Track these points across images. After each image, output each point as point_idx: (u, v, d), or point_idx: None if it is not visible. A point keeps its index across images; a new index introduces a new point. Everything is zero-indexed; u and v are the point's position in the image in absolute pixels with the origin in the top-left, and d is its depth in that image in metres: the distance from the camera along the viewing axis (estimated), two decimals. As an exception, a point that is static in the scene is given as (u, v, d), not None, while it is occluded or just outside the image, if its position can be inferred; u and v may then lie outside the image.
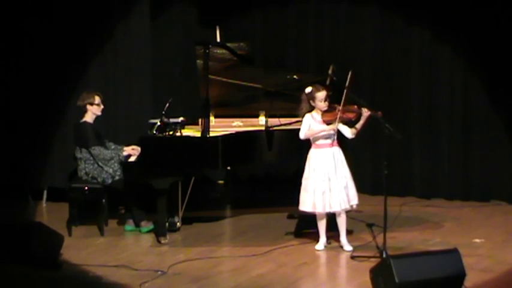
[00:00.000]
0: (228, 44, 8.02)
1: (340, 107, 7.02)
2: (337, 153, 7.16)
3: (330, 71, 7.26)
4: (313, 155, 7.18)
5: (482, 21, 8.83)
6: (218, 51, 7.92)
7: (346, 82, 6.99)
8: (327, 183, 7.09)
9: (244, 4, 9.97)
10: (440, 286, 5.83)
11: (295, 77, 8.10)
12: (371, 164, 9.21)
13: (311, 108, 7.17)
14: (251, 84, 8.20)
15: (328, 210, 7.13)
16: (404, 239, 7.54)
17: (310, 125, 7.13)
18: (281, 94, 8.19)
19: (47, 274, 6.49)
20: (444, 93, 9.22)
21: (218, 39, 8.28)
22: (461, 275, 5.87)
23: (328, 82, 7.28)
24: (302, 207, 7.21)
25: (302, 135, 7.16)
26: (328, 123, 7.09)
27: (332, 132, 7.10)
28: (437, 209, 8.82)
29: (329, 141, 7.12)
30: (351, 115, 7.06)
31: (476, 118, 9.08)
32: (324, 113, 7.10)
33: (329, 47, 9.60)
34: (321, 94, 7.07)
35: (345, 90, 6.98)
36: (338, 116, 7.01)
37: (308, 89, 7.15)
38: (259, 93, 8.27)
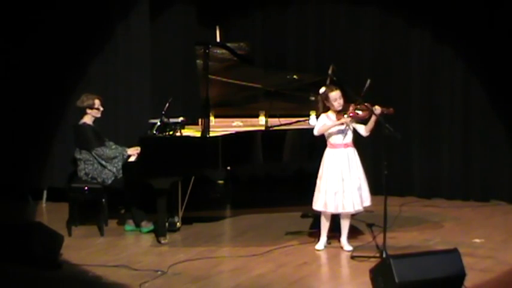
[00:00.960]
0: (228, 44, 8.02)
1: (353, 105, 7.04)
2: (352, 154, 7.17)
3: (330, 71, 7.28)
4: (327, 154, 7.18)
5: (482, 22, 8.83)
6: (218, 51, 7.92)
7: (363, 90, 6.98)
8: (340, 183, 7.09)
9: (244, 4, 9.96)
10: (440, 286, 5.83)
11: (295, 77, 8.11)
12: (371, 164, 9.20)
13: (326, 109, 7.17)
14: (251, 84, 8.19)
15: (340, 210, 7.13)
16: (404, 239, 7.54)
17: (325, 124, 7.13)
18: (281, 94, 8.19)
19: (47, 274, 6.49)
20: (444, 93, 9.22)
21: (218, 39, 8.27)
22: (461, 275, 5.87)
23: (328, 82, 7.30)
24: (315, 206, 7.22)
25: (316, 132, 7.16)
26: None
27: (343, 126, 7.09)
28: (437, 209, 8.82)
29: (343, 140, 7.12)
30: (363, 113, 7.08)
31: (476, 118, 9.09)
32: (338, 112, 7.11)
33: (329, 47, 9.60)
34: (334, 94, 7.07)
35: (361, 98, 6.98)
36: (350, 114, 7.02)
37: (322, 89, 7.16)
38: (259, 93, 8.27)
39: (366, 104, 7.06)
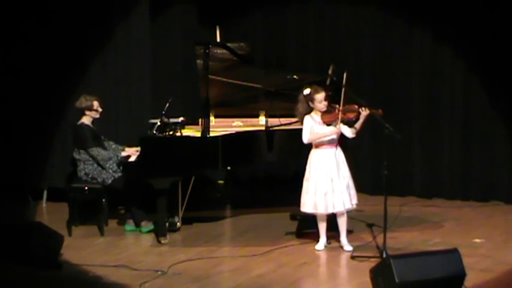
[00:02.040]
0: (228, 44, 8.02)
1: (340, 108, 7.01)
2: (339, 153, 7.16)
3: (330, 71, 7.27)
4: (314, 156, 7.17)
5: (482, 21, 8.82)
6: (218, 51, 7.92)
7: (342, 82, 6.97)
8: (330, 183, 7.08)
9: (244, 4, 9.97)
10: (440, 286, 5.82)
11: (295, 77, 8.10)
12: (371, 164, 9.21)
13: (309, 109, 7.15)
14: (251, 84, 8.20)
15: (331, 210, 7.12)
16: (404, 239, 7.54)
17: (312, 126, 7.11)
18: (281, 94, 8.18)
19: (47, 274, 6.49)
20: (444, 93, 9.22)
21: (218, 39, 8.27)
22: (461, 275, 5.87)
23: (328, 82, 7.29)
24: (303, 208, 7.20)
25: (306, 140, 7.13)
26: (328, 124, 7.08)
27: (335, 136, 7.09)
28: (438, 209, 8.82)
29: (331, 142, 7.11)
30: (351, 115, 7.05)
31: (476, 118, 9.08)
32: (323, 113, 7.09)
33: (329, 47, 9.60)
34: (320, 95, 7.05)
35: (343, 90, 6.97)
36: (339, 117, 7.00)
37: (306, 91, 7.12)
38: (259, 93, 8.27)
39: (355, 106, 7.02)
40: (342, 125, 7.09)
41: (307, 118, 7.13)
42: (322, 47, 9.67)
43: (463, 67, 9.10)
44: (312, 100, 7.08)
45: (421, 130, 9.33)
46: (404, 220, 8.21)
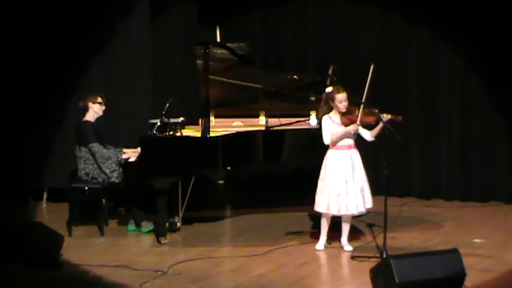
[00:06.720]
0: (228, 44, 8.02)
1: (360, 111, 6.97)
2: (355, 155, 7.13)
3: (330, 72, 7.25)
4: (330, 156, 7.12)
5: (481, 20, 8.82)
6: (218, 51, 7.92)
7: (367, 78, 6.91)
8: (344, 185, 7.05)
9: (244, 4, 9.97)
10: (440, 286, 5.83)
11: (295, 77, 8.11)
12: (371, 164, 9.19)
13: (329, 109, 7.12)
14: (251, 84, 8.20)
15: (344, 212, 7.09)
16: (404, 239, 7.54)
17: (330, 127, 7.07)
18: (281, 94, 8.19)
19: (47, 274, 6.49)
20: (443, 93, 9.22)
21: (218, 39, 8.27)
22: (461, 275, 5.87)
23: (328, 83, 7.28)
24: (317, 207, 7.18)
25: (327, 141, 7.07)
26: (346, 125, 7.04)
27: (352, 133, 7.05)
28: (437, 209, 8.82)
29: (348, 143, 7.09)
30: (370, 119, 7.03)
31: (475, 118, 9.08)
32: (342, 114, 7.05)
33: (329, 46, 9.60)
34: (341, 96, 6.99)
35: (367, 86, 6.90)
36: (358, 119, 6.96)
37: (329, 89, 7.07)
38: (259, 93, 8.27)
39: (376, 110, 6.99)
40: (360, 127, 7.06)
41: (325, 118, 7.09)
42: (322, 46, 9.66)
43: (462, 67, 9.10)
44: (333, 99, 7.03)
45: (420, 130, 9.32)
46: (404, 220, 8.21)
